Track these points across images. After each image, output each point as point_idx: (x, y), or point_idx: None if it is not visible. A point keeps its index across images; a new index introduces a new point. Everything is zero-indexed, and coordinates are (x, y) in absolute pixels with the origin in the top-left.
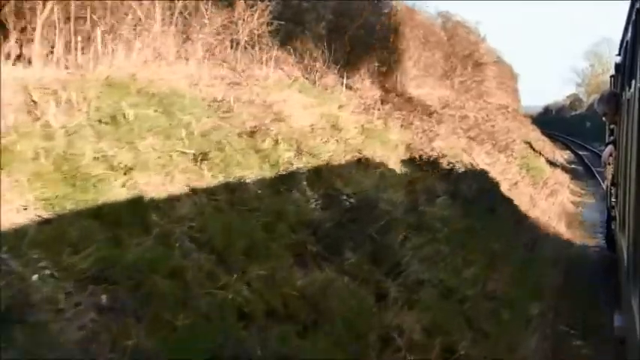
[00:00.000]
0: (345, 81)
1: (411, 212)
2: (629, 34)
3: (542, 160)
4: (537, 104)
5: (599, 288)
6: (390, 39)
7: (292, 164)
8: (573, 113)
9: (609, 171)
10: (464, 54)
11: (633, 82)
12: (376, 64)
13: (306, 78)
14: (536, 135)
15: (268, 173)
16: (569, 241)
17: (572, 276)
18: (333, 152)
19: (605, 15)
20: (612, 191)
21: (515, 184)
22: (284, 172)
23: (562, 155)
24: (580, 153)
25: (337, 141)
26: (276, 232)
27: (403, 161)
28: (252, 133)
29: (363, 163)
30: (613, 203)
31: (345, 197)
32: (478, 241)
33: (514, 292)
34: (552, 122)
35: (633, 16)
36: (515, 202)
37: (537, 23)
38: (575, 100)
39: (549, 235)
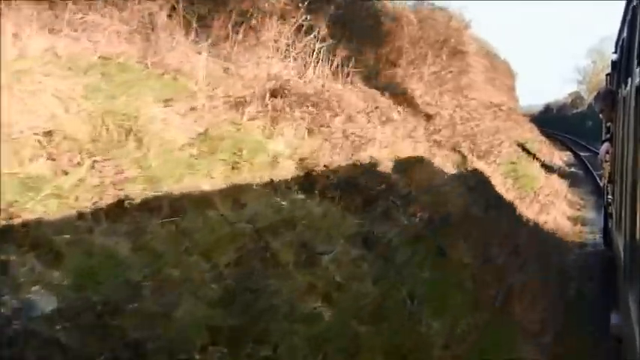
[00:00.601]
0: (210, 61)
1: (233, 302)
2: (625, 32)
3: (536, 165)
4: (538, 103)
5: None
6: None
7: None
8: (574, 111)
9: (606, 168)
10: (437, 39)
11: (629, 79)
12: (289, 41)
13: (140, 56)
14: (533, 136)
15: None
16: (562, 283)
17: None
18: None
19: (604, 15)
20: (609, 189)
21: None
22: None
23: (561, 157)
24: (581, 154)
25: (96, 162)
26: None
27: (277, 188)
28: None
29: (134, 207)
30: (609, 201)
31: None
32: (398, 322)
33: None
34: (553, 121)
35: (629, 14)
36: (489, 227)
37: (537, 23)
38: (576, 98)
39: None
